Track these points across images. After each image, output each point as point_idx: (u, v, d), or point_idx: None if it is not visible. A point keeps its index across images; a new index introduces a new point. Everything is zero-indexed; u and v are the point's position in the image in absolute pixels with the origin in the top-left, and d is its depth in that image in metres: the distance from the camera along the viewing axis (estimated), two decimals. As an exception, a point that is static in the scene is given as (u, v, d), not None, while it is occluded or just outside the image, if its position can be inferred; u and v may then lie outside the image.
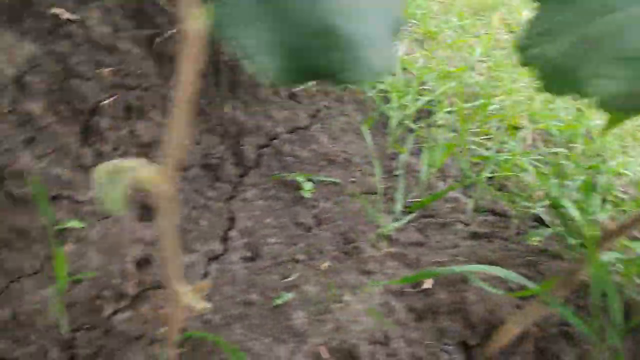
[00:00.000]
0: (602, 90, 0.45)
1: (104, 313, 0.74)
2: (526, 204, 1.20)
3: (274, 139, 1.15)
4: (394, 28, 0.43)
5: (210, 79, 1.11)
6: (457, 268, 0.77)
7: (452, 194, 1.22)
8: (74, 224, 0.80)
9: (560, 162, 1.36)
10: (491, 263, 0.97)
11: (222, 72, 1.12)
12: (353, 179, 1.17)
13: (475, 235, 1.09)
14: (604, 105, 0.45)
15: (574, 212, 1.10)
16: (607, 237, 0.65)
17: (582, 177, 1.28)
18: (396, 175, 1.23)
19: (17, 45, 0.93)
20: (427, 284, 0.88)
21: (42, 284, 0.74)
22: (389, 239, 1.04)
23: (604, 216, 1.12)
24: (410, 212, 1.13)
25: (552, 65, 0.49)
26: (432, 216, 1.14)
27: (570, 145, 1.49)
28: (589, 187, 1.20)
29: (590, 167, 1.34)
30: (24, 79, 0.90)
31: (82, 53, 0.99)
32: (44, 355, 0.68)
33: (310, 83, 1.32)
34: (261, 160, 1.11)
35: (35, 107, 0.88)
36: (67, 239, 0.78)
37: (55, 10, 1.03)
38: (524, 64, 0.51)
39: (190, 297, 0.46)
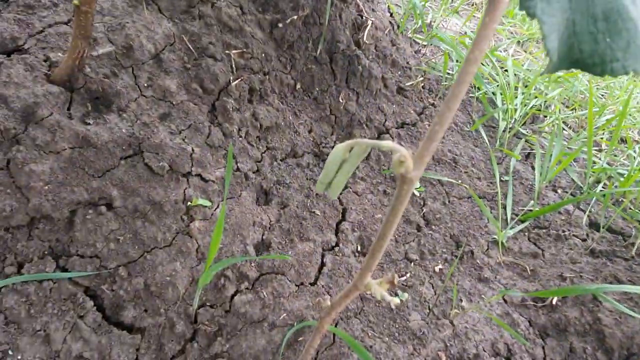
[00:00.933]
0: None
1: (226, 293, 0.75)
2: (647, 223, 1.11)
3: (384, 132, 1.13)
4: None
5: (326, 68, 1.10)
6: (591, 287, 0.72)
7: (565, 206, 1.15)
8: (203, 202, 0.81)
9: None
10: (621, 283, 0.91)
11: (337, 62, 1.11)
12: (460, 181, 1.13)
13: (593, 253, 1.03)
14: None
15: None
16: None
17: None
18: (503, 181, 1.18)
19: (155, 22, 0.95)
20: (554, 299, 0.83)
21: (173, 257, 0.75)
22: (502, 246, 1.00)
23: None
24: (522, 221, 1.07)
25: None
26: (545, 227, 1.08)
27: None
28: None
29: None
30: (161, 55, 0.92)
31: (213, 33, 1.01)
32: (171, 328, 0.70)
33: (420, 78, 1.29)
34: (371, 154, 1.09)
35: (170, 83, 0.90)
36: (196, 216, 0.79)
37: (188, -10, 1.05)
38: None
39: (379, 290, 0.44)
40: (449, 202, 1.07)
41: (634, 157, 1.28)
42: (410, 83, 1.27)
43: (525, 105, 1.38)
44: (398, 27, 1.33)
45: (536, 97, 1.42)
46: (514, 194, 1.15)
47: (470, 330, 0.79)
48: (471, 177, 1.16)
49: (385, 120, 1.15)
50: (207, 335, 0.72)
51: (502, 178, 1.19)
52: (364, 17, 1.20)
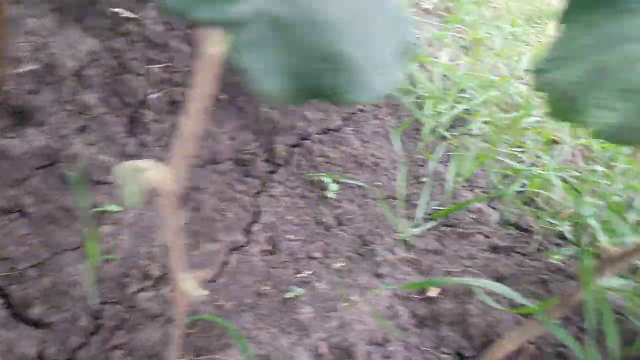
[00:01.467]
0: (599, 121, 0.47)
1: (129, 290, 0.83)
2: (552, 220, 1.19)
3: (306, 139, 1.21)
4: (401, 52, 0.47)
5: (250, 79, 1.18)
6: (462, 280, 0.80)
7: (477, 205, 1.22)
8: (112, 207, 0.89)
9: (597, 180, 1.33)
10: (503, 278, 0.99)
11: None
12: (379, 183, 1.21)
13: (494, 249, 1.10)
14: (599, 135, 0.47)
15: (599, 233, 1.08)
16: (607, 262, 0.65)
17: (617, 198, 1.25)
18: (423, 182, 1.25)
19: (79, 41, 1.03)
20: (434, 292, 0.91)
21: (81, 259, 0.83)
22: (406, 244, 1.07)
23: (634, 239, 1.09)
24: (432, 220, 1.15)
25: (560, 92, 0.50)
26: (453, 225, 1.15)
27: (612, 164, 1.44)
28: (621, 208, 1.17)
29: (627, 187, 1.30)
30: (83, 71, 1.00)
31: (137, 49, 1.08)
32: (75, 322, 0.78)
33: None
34: (291, 159, 1.17)
35: (90, 97, 0.98)
36: (105, 221, 0.87)
37: (116, 9, 1.13)
38: (538, 88, 0.52)
39: (188, 284, 0.52)
40: (364, 203, 1.14)
41: (551, 158, 1.35)
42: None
43: (453, 108, 1.45)
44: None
45: (462, 101, 1.49)
46: (431, 195, 1.22)
47: (356, 322, 0.86)
48: (391, 179, 1.23)
49: (309, 127, 1.23)
50: (109, 329, 0.80)
51: (421, 180, 1.26)
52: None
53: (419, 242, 1.09)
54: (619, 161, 1.43)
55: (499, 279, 0.97)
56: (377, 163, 1.25)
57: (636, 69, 0.46)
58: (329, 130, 1.26)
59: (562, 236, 1.16)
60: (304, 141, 1.20)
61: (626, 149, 1.47)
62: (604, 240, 1.04)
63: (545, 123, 1.57)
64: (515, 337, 0.75)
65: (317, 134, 1.23)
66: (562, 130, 1.58)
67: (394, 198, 1.19)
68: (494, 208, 1.22)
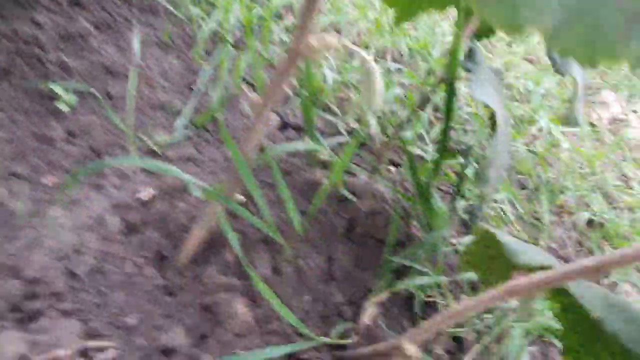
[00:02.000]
0: None
1: None
2: (333, 119, 1.10)
3: (36, 45, 1.00)
4: None
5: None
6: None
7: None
8: None
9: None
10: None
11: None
12: (137, 93, 1.04)
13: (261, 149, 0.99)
14: None
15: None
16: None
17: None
18: (192, 90, 1.10)
19: None
20: (147, 195, 0.77)
21: None
22: (155, 155, 0.93)
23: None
24: (195, 128, 1.01)
25: None
26: (216, 131, 1.02)
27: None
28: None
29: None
30: None
31: None
32: None
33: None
34: (15, 68, 0.96)
35: None
36: None
37: None
38: None
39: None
40: (110, 116, 0.97)
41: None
42: (95, -6, 1.14)
43: (251, 10, 1.30)
44: None
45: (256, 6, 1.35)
46: (200, 103, 1.08)
47: (48, 238, 0.71)
48: (155, 89, 1.07)
49: (43, 33, 1.02)
50: None
51: (192, 87, 1.11)
52: None
53: (171, 152, 0.95)
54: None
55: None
56: (140, 73, 1.07)
57: None
58: (72, 36, 1.06)
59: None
60: (31, 48, 0.99)
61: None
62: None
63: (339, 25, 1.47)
64: (201, 223, 0.64)
65: (55, 40, 1.03)
66: (370, 35, 1.50)
67: (154, 108, 1.04)
68: (276, 113, 1.11)
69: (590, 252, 1.14)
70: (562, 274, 0.43)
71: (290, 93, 1.16)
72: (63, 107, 0.94)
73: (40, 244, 0.70)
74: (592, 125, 1.62)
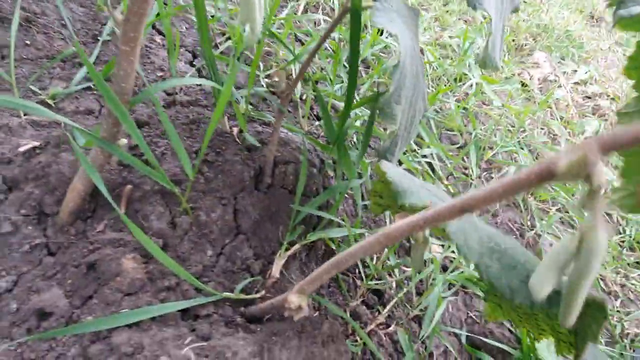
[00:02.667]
0: None
1: None
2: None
3: None
4: None
5: None
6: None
7: (168, 62, 1.02)
8: None
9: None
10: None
11: None
12: (30, 42, 0.93)
13: (173, 103, 0.91)
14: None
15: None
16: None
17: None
18: (99, 40, 1.00)
19: None
20: (27, 148, 0.68)
21: None
22: (49, 107, 0.83)
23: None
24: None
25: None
26: (127, 85, 0.93)
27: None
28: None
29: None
30: None
31: None
32: None
33: None
34: None
35: None
36: None
37: None
38: None
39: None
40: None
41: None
42: None
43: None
44: None
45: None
46: (110, 54, 0.98)
47: None
48: (53, 39, 0.96)
49: None
50: None
51: (98, 37, 1.01)
52: None
53: (69, 104, 0.85)
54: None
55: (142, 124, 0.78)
56: (29, 19, 0.96)
57: None
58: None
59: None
60: None
61: None
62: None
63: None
64: (81, 173, 0.56)
65: None
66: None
67: (49, 58, 0.93)
68: (193, 66, 1.02)
69: (517, 207, 1.15)
70: (435, 214, 0.38)
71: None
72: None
73: None
74: (523, 84, 1.64)
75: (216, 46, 1.08)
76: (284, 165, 0.71)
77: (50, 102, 0.84)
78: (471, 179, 1.13)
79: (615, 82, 1.86)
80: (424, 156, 1.07)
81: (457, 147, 1.18)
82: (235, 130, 0.76)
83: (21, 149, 0.67)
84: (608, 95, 1.75)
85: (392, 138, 0.57)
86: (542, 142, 1.37)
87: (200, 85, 1.00)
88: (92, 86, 0.90)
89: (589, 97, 1.78)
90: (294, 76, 1.03)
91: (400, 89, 0.52)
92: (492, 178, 1.18)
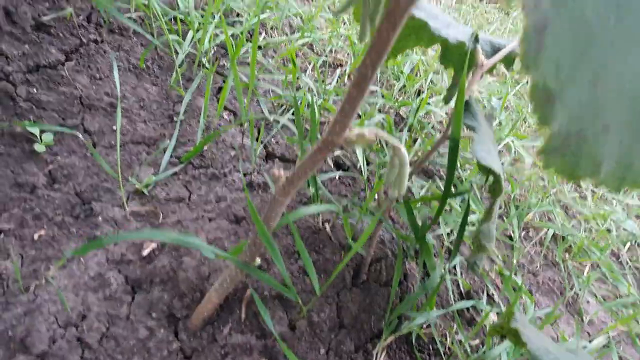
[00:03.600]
0: None
1: None
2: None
3: (4, 80, 0.93)
4: None
5: None
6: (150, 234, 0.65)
7: (240, 140, 1.09)
8: None
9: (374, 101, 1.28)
10: (242, 219, 0.88)
11: None
12: (114, 128, 1.00)
13: (250, 185, 0.99)
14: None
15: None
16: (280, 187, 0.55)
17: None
18: (176, 121, 1.07)
19: None
20: (147, 249, 0.76)
21: None
22: (143, 196, 0.90)
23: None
24: (181, 163, 0.99)
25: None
26: (206, 167, 1.01)
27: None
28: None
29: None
30: None
31: None
32: None
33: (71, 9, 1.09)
34: None
35: None
36: None
37: None
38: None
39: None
40: (91, 154, 0.93)
41: (327, 83, 1.26)
42: (60, 16, 1.07)
43: (216, 36, 1.27)
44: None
45: (235, 26, 1.32)
46: (183, 134, 1.05)
47: (47, 303, 0.68)
48: (134, 122, 1.03)
49: (8, 65, 0.95)
50: None
51: (176, 119, 1.08)
52: None
53: (160, 191, 0.93)
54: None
55: (238, 220, 0.86)
56: (113, 104, 1.03)
57: None
58: (40, 66, 0.99)
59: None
60: (1, 83, 0.92)
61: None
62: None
63: (324, 46, 1.48)
64: (218, 288, 0.64)
65: (23, 72, 0.96)
66: (342, 52, 1.51)
67: (138, 143, 1.00)
68: (261, 142, 1.10)
69: (555, 265, 1.23)
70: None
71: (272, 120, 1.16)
72: (40, 149, 0.89)
73: (42, 310, 0.67)
74: (547, 136, 1.72)
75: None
76: (376, 263, 0.79)
77: (144, 190, 0.91)
78: (513, 241, 1.21)
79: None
80: (473, 224, 1.15)
81: (499, 210, 1.26)
82: (327, 226, 0.83)
83: (144, 253, 0.75)
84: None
85: (483, 253, 0.65)
86: (572, 197, 1.45)
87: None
88: (177, 171, 0.97)
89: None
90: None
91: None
92: (531, 238, 1.27)
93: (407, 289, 0.82)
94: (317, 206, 0.63)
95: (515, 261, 1.15)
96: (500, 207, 1.28)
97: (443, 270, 0.79)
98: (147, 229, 0.79)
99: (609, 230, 1.41)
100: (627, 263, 1.34)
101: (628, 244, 1.41)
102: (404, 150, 0.48)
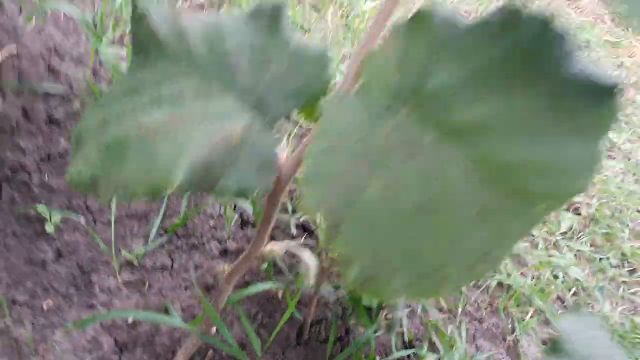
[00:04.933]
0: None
1: None
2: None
3: (21, 170, 1.14)
4: None
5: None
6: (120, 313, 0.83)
7: (218, 210, 1.28)
8: None
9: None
10: (209, 289, 1.06)
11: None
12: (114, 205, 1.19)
13: (224, 253, 1.17)
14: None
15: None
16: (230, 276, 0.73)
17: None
18: (164, 196, 1.27)
19: None
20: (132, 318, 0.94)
21: None
22: (133, 266, 1.09)
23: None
24: (167, 234, 1.18)
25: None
26: (188, 236, 1.19)
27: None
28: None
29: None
30: None
31: None
32: None
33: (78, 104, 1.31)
34: (2, 195, 1.10)
35: None
36: None
37: None
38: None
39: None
40: (91, 230, 1.12)
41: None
42: (69, 111, 1.28)
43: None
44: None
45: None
46: (172, 206, 1.25)
47: (54, 363, 0.86)
48: (129, 198, 1.23)
49: (24, 157, 1.16)
50: None
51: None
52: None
53: (148, 261, 1.11)
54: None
55: (209, 288, 1.04)
56: (111, 183, 1.23)
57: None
58: (52, 156, 1.20)
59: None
60: (16, 174, 1.13)
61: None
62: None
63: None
64: (184, 351, 0.82)
65: (37, 162, 1.17)
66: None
67: (132, 216, 1.19)
68: (234, 211, 1.29)
69: (500, 312, 1.39)
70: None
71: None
72: (49, 229, 1.09)
73: (46, 370, 0.85)
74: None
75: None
76: (317, 324, 0.96)
77: (135, 261, 1.10)
78: (460, 291, 1.37)
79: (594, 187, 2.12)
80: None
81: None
82: (280, 293, 1.01)
83: (129, 320, 0.93)
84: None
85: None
86: (523, 246, 1.62)
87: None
88: (163, 242, 1.16)
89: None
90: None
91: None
92: (479, 287, 1.43)
93: (348, 343, 0.99)
94: (255, 287, 0.81)
95: (460, 309, 1.31)
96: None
97: (378, 326, 0.96)
98: (129, 307, 0.97)
99: (556, 277, 1.57)
100: (568, 308, 1.50)
101: (574, 289, 1.57)
102: (307, 259, 0.66)
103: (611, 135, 2.55)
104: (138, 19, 0.57)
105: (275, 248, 0.65)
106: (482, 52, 0.44)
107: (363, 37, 0.56)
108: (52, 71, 1.30)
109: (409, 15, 0.45)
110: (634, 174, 2.31)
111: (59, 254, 1.06)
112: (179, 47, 0.54)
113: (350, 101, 0.46)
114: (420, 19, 0.45)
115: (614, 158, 2.39)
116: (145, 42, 0.56)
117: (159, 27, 0.56)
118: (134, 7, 0.57)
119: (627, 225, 1.98)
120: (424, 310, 1.24)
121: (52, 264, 1.04)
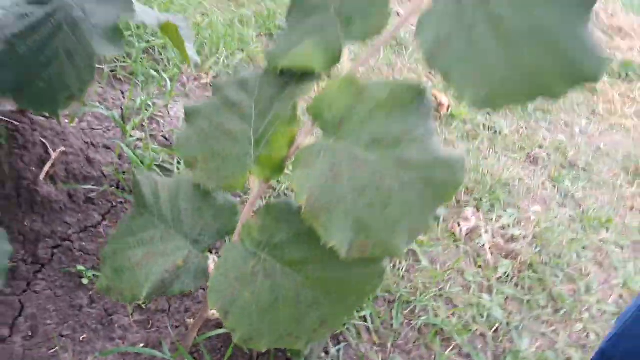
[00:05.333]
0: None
1: None
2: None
3: (67, 239, 1.61)
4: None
5: (13, 201, 1.55)
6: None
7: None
8: None
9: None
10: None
11: (22, 195, 1.56)
12: (130, 262, 1.65)
13: (208, 300, 1.61)
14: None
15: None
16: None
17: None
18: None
19: None
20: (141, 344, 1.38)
21: None
22: (142, 308, 1.53)
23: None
24: (167, 285, 1.62)
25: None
26: (183, 286, 1.64)
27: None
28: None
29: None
30: None
31: None
32: None
33: (107, 185, 1.78)
34: (54, 258, 1.56)
35: None
36: None
37: None
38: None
39: None
40: (116, 281, 1.58)
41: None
42: (100, 190, 1.76)
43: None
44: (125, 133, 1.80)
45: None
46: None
47: (86, 379, 1.31)
48: (142, 256, 1.69)
49: (69, 229, 1.63)
50: None
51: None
52: (49, 152, 1.66)
53: (152, 305, 1.56)
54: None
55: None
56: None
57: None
58: (88, 227, 1.67)
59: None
60: (64, 242, 1.60)
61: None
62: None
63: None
64: (168, 373, 1.24)
65: (76, 233, 1.64)
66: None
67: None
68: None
69: (426, 347, 1.77)
70: None
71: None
72: (85, 281, 1.55)
73: (82, 382, 1.30)
74: (454, 237, 2.27)
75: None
76: (262, 356, 1.38)
77: (143, 306, 1.54)
78: (393, 330, 1.76)
79: (536, 223, 2.46)
80: (364, 318, 1.71)
81: (385, 306, 1.82)
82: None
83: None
84: (525, 237, 2.37)
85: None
86: (456, 290, 1.99)
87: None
88: (164, 291, 1.60)
89: (510, 240, 2.37)
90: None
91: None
92: (412, 326, 1.81)
93: (288, 369, 1.40)
94: (214, 331, 1.23)
95: (390, 345, 1.70)
96: (387, 301, 1.84)
97: None
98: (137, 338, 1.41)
99: (481, 316, 1.94)
100: (489, 343, 1.86)
101: (496, 326, 1.93)
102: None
103: (567, 183, 2.88)
104: (135, 185, 1.02)
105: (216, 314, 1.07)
106: (297, 223, 0.86)
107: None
108: (89, 160, 1.78)
109: (264, 204, 0.88)
110: (581, 221, 2.64)
111: (91, 300, 1.52)
112: (155, 205, 0.99)
113: (235, 246, 0.89)
114: (267, 207, 0.87)
115: (565, 206, 2.72)
116: (139, 200, 1.01)
117: (145, 190, 1.00)
118: (134, 177, 1.02)
119: (563, 270, 2.31)
120: (358, 343, 1.64)
121: (87, 307, 1.49)
